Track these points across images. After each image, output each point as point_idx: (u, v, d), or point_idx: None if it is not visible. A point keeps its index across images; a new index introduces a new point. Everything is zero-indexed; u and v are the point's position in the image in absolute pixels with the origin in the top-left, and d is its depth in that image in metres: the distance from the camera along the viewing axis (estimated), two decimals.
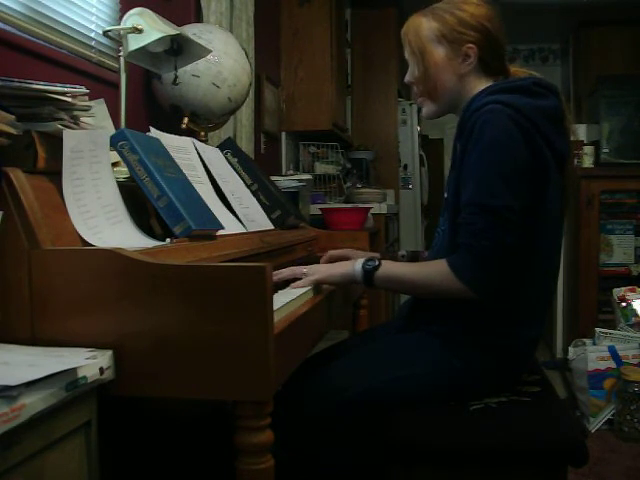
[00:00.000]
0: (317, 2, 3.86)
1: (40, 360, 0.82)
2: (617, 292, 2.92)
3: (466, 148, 1.29)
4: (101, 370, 0.85)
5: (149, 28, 1.51)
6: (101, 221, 1.07)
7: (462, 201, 1.28)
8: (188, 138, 1.55)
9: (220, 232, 1.31)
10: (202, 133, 2.12)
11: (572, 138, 1.39)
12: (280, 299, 1.12)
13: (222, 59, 2.00)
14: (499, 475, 1.24)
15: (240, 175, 1.73)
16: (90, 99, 1.20)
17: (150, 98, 2.10)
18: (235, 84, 2.04)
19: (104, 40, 1.83)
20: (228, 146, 1.77)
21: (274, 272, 1.26)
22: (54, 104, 1.06)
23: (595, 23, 5.23)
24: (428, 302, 1.39)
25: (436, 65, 1.40)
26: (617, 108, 3.52)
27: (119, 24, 1.57)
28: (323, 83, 3.87)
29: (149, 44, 1.53)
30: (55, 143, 1.03)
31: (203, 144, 1.63)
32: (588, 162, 3.46)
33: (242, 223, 1.53)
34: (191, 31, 1.94)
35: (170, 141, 1.41)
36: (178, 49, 1.70)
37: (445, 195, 1.39)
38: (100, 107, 1.46)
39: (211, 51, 1.79)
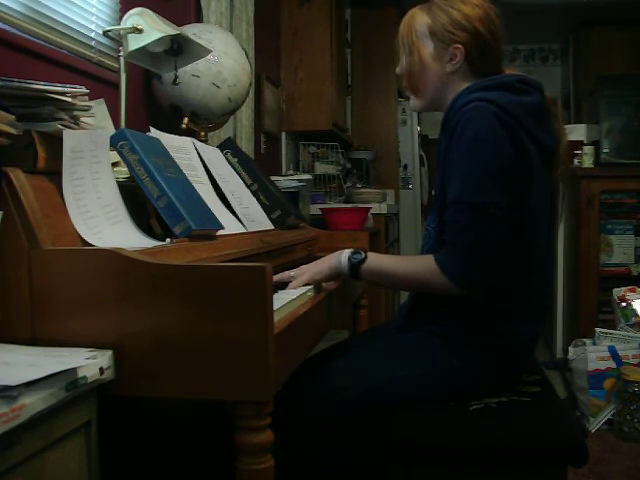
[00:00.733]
0: (317, 2, 3.86)
1: (40, 360, 0.82)
2: (617, 292, 2.92)
3: (450, 145, 1.30)
4: (101, 370, 0.85)
5: (149, 28, 1.51)
6: (101, 221, 1.07)
7: (447, 199, 1.28)
8: (188, 138, 1.55)
9: (220, 232, 1.31)
10: (202, 133, 2.12)
11: (562, 134, 1.39)
12: (280, 299, 1.12)
13: (222, 59, 2.00)
14: (499, 475, 1.24)
15: (240, 175, 1.73)
16: (90, 99, 1.20)
17: (150, 98, 2.10)
18: (235, 84, 2.04)
19: (104, 40, 1.83)
20: (228, 146, 1.77)
21: None
22: (54, 104, 1.06)
23: (595, 23, 5.23)
24: (427, 302, 1.39)
25: (422, 61, 1.41)
26: (617, 108, 3.51)
27: (119, 24, 1.57)
28: (323, 83, 3.87)
29: (149, 44, 1.53)
30: (55, 143, 1.03)
31: (203, 144, 1.63)
32: (588, 162, 3.46)
33: (242, 223, 1.53)
34: (191, 31, 1.94)
35: (170, 141, 1.41)
36: (178, 49, 1.70)
37: (433, 193, 1.40)
38: (100, 107, 1.46)
39: (211, 51, 1.79)
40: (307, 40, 3.87)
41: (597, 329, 2.77)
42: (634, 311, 2.82)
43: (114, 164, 1.19)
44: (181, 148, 1.46)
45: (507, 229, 1.25)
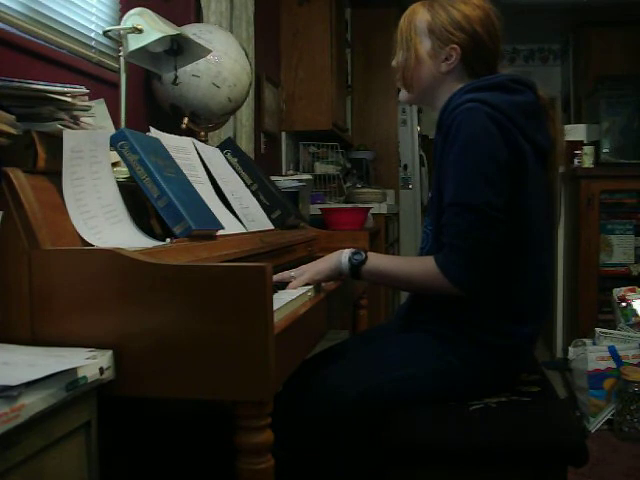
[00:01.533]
0: (317, 2, 3.86)
1: (40, 360, 0.82)
2: (617, 292, 2.92)
3: (445, 147, 1.30)
4: (101, 370, 0.85)
5: (149, 28, 1.51)
6: (101, 221, 1.07)
7: (444, 201, 1.29)
8: (188, 138, 1.55)
9: (220, 232, 1.31)
10: (202, 133, 2.12)
11: (558, 134, 1.39)
12: (280, 299, 1.12)
13: (222, 59, 2.00)
14: (499, 475, 1.24)
15: (240, 175, 1.73)
16: (90, 99, 1.20)
17: (150, 98, 2.10)
18: (235, 84, 2.04)
19: (104, 40, 1.83)
20: (228, 146, 1.77)
21: None
22: (54, 104, 1.06)
23: (595, 23, 5.23)
24: (425, 302, 1.39)
25: (417, 57, 1.41)
26: (617, 108, 3.51)
27: (119, 24, 1.57)
28: (323, 83, 3.87)
29: (149, 44, 1.53)
30: (55, 143, 1.03)
31: (203, 144, 1.63)
32: (588, 162, 3.46)
33: (242, 223, 1.53)
34: (191, 31, 1.94)
35: (170, 141, 1.41)
36: (178, 49, 1.70)
37: (429, 195, 1.40)
38: (100, 107, 1.46)
39: (211, 51, 1.79)
40: (307, 40, 3.88)
41: (597, 329, 2.77)
42: (634, 311, 2.82)
43: (114, 164, 1.19)
44: (181, 148, 1.46)
45: (505, 229, 1.26)
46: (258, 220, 1.64)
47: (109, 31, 1.60)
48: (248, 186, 1.73)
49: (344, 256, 1.36)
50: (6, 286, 0.93)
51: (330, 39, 3.87)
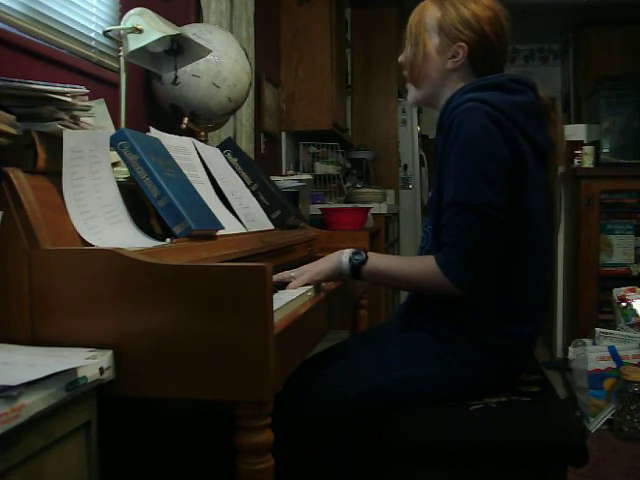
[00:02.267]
0: (317, 2, 3.86)
1: (40, 360, 0.82)
2: (617, 292, 2.92)
3: (445, 147, 1.30)
4: (101, 370, 0.85)
5: (149, 28, 1.51)
6: (101, 221, 1.07)
7: (445, 201, 1.29)
8: (188, 138, 1.55)
9: (220, 232, 1.31)
10: (202, 133, 2.12)
11: (558, 135, 1.39)
12: (280, 299, 1.12)
13: (222, 59, 2.00)
14: (499, 475, 1.24)
15: (240, 175, 1.73)
16: (90, 99, 1.20)
17: (150, 98, 2.10)
18: (235, 84, 2.04)
19: (104, 40, 1.83)
20: (228, 146, 1.77)
21: None
22: (54, 104, 1.06)
23: (595, 23, 5.23)
24: (425, 302, 1.39)
25: (425, 54, 1.41)
26: (617, 108, 3.51)
27: (119, 24, 1.57)
28: (323, 83, 3.87)
29: (149, 44, 1.53)
30: (55, 143, 1.03)
31: (203, 144, 1.63)
32: (588, 162, 3.46)
33: (242, 223, 1.53)
34: (191, 31, 1.94)
35: (170, 141, 1.41)
36: (178, 49, 1.70)
37: (429, 194, 1.40)
38: (100, 107, 1.46)
39: (211, 51, 1.79)
40: (307, 40, 3.88)
41: (597, 329, 2.77)
42: (634, 311, 2.82)
43: (114, 164, 1.19)
44: (181, 148, 1.46)
45: (505, 229, 1.26)
46: (258, 220, 1.64)
47: (109, 31, 1.60)
48: (248, 186, 1.73)
49: (344, 256, 1.36)
50: (6, 286, 0.93)
51: (330, 39, 3.87)
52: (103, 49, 1.87)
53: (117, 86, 1.54)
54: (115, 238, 1.06)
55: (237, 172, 1.73)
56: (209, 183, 1.50)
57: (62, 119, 1.08)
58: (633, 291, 2.89)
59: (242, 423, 0.92)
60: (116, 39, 1.67)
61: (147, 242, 1.12)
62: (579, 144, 3.54)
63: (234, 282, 0.89)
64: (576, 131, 3.65)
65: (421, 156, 5.17)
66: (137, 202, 1.19)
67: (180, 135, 1.52)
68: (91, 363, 0.83)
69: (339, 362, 1.39)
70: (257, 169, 1.81)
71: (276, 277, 1.33)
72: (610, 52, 5.18)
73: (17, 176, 0.94)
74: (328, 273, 1.37)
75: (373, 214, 3.54)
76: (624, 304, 2.86)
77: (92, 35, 1.82)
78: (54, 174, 1.02)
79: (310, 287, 1.32)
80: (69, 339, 0.91)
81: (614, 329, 2.80)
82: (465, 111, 1.27)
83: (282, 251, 1.68)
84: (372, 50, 4.81)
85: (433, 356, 1.34)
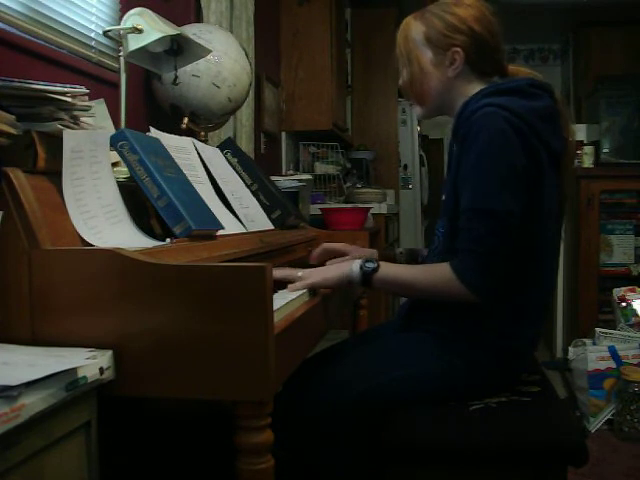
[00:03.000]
0: (317, 2, 3.86)
1: (40, 360, 0.82)
2: (617, 292, 2.92)
3: (462, 152, 1.29)
4: (101, 370, 0.85)
5: (149, 28, 1.51)
6: (101, 221, 1.07)
7: (461, 206, 1.27)
8: (188, 138, 1.55)
9: (220, 232, 1.31)
10: (202, 133, 2.12)
11: (569, 136, 1.38)
12: (280, 299, 1.12)
13: (222, 59, 2.00)
14: (499, 475, 1.24)
15: (240, 175, 1.73)
16: (90, 99, 1.20)
17: (150, 98, 2.10)
18: (235, 84, 2.04)
19: (104, 40, 1.83)
20: (228, 146, 1.77)
21: None
22: (54, 104, 1.06)
23: (595, 23, 5.23)
24: (426, 302, 1.38)
25: (422, 70, 1.40)
26: (617, 108, 3.51)
27: (119, 24, 1.57)
28: (323, 83, 3.87)
29: (149, 44, 1.53)
30: (55, 143, 1.03)
31: (203, 144, 1.63)
32: (588, 162, 3.46)
33: (242, 223, 1.53)
34: (191, 31, 1.94)
35: (170, 141, 1.41)
36: (178, 49, 1.70)
37: (443, 198, 1.39)
38: (100, 107, 1.46)
39: (211, 51, 1.79)
40: (307, 40, 3.87)
41: (597, 329, 2.77)
42: (634, 311, 2.82)
43: (114, 164, 1.19)
44: (181, 148, 1.46)
45: (520, 236, 1.25)
46: (258, 220, 1.64)
47: (109, 31, 1.60)
48: (248, 186, 1.73)
49: (355, 264, 1.32)
50: (6, 286, 0.93)
51: (330, 39, 3.87)
52: (103, 49, 1.87)
53: (117, 86, 1.54)
54: (115, 238, 1.06)
55: (237, 172, 1.73)
56: (209, 183, 1.50)
57: (62, 119, 1.08)
58: (633, 291, 2.89)
59: (242, 423, 0.92)
60: (116, 39, 1.67)
61: (147, 242, 1.12)
62: (579, 144, 3.54)
63: (234, 282, 0.89)
64: (576, 131, 3.65)
65: (421, 156, 5.17)
66: (137, 202, 1.19)
67: (180, 135, 1.52)
68: (91, 363, 0.83)
69: (339, 362, 1.39)
70: (257, 169, 1.81)
71: (282, 273, 1.30)
72: (610, 52, 5.18)
73: (17, 176, 0.94)
74: (336, 281, 1.33)
75: (373, 214, 3.54)
76: (624, 304, 2.86)
77: (92, 35, 1.82)
78: (54, 174, 1.02)
79: (304, 291, 1.27)
80: (69, 339, 0.91)
81: (614, 329, 2.80)
82: (484, 116, 1.26)
83: (282, 251, 1.68)
84: (372, 50, 4.81)
85: (433, 356, 1.33)
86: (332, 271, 1.34)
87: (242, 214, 1.55)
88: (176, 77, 1.81)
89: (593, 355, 2.67)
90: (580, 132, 3.68)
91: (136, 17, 1.52)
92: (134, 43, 1.51)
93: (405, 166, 5.03)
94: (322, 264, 1.49)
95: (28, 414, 0.69)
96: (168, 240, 1.14)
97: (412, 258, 1.71)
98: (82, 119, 1.15)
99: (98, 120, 1.38)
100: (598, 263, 3.39)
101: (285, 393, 1.42)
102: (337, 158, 4.27)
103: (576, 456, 1.21)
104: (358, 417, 1.29)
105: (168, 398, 0.93)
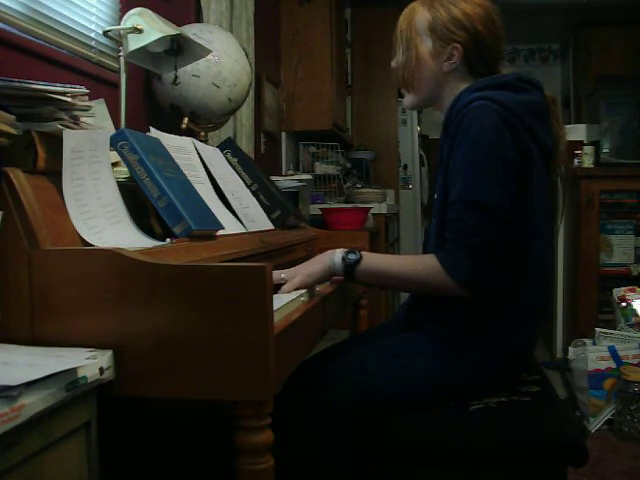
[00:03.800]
0: (317, 2, 3.86)
1: (40, 360, 0.82)
2: (617, 292, 2.92)
3: (453, 146, 1.29)
4: (101, 370, 0.85)
5: (149, 28, 1.51)
6: (101, 221, 1.07)
7: (451, 198, 1.27)
8: (188, 138, 1.55)
9: (220, 232, 1.31)
10: (202, 133, 2.12)
11: (561, 135, 1.39)
12: (279, 299, 1.12)
13: (222, 59, 2.00)
14: (499, 475, 1.24)
15: (240, 175, 1.73)
16: (90, 99, 1.20)
17: (150, 98, 2.10)
18: (235, 84, 2.04)
19: (104, 40, 1.83)
20: (228, 146, 1.77)
21: None
22: (54, 104, 1.06)
23: (595, 23, 5.24)
24: (426, 302, 1.38)
25: (418, 58, 1.40)
26: (617, 108, 3.51)
27: (119, 24, 1.57)
28: (323, 83, 3.87)
29: (149, 44, 1.53)
30: (55, 143, 1.03)
31: (203, 144, 1.63)
32: (588, 162, 3.46)
33: (242, 223, 1.53)
34: (191, 31, 1.94)
35: (170, 141, 1.41)
36: (178, 49, 1.70)
37: (435, 196, 1.39)
38: (100, 107, 1.46)
39: (211, 51, 1.79)
40: (307, 40, 3.88)
41: (597, 329, 2.77)
42: (634, 311, 2.82)
43: (114, 164, 1.19)
44: (181, 148, 1.46)
45: (510, 229, 1.25)
46: (258, 220, 1.64)
47: (109, 31, 1.60)
48: (248, 186, 1.73)
49: (337, 256, 1.31)
50: (6, 286, 0.93)
51: (330, 39, 3.87)
52: (103, 49, 1.87)
53: (117, 86, 1.54)
54: (115, 238, 1.06)
55: (237, 172, 1.73)
56: (209, 183, 1.50)
57: (62, 119, 1.07)
58: (633, 291, 2.89)
59: (242, 423, 0.92)
60: (116, 39, 1.67)
61: (147, 242, 1.12)
62: (579, 144, 3.54)
63: (234, 282, 0.89)
64: (576, 131, 3.65)
65: (421, 156, 5.18)
66: (137, 202, 1.19)
67: (180, 135, 1.52)
68: (91, 363, 0.83)
69: (339, 362, 1.39)
70: (257, 169, 1.81)
71: None
72: (610, 52, 5.18)
73: (17, 176, 0.94)
74: (320, 274, 1.31)
75: (373, 214, 3.54)
76: (624, 304, 2.86)
77: (92, 35, 1.82)
78: (54, 174, 1.02)
79: (304, 291, 1.27)
80: (69, 339, 0.91)
81: (614, 329, 2.80)
82: (474, 109, 1.26)
83: (282, 251, 1.68)
84: (372, 50, 4.81)
85: (433, 356, 1.33)
86: (314, 265, 1.32)
87: (242, 214, 1.55)
88: (176, 77, 1.81)
89: (593, 355, 2.67)
90: (580, 132, 3.68)
91: (136, 17, 1.52)
92: (134, 43, 1.51)
93: (405, 166, 5.03)
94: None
95: (28, 414, 0.69)
96: (168, 240, 1.14)
97: None
98: (82, 119, 1.15)
99: (98, 120, 1.38)
100: (598, 263, 3.39)
101: (285, 393, 1.43)
102: (337, 158, 4.27)
103: (576, 456, 1.21)
104: (358, 417, 1.29)
105: (168, 398, 0.93)
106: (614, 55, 5.16)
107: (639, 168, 3.40)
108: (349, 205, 3.66)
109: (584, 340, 2.81)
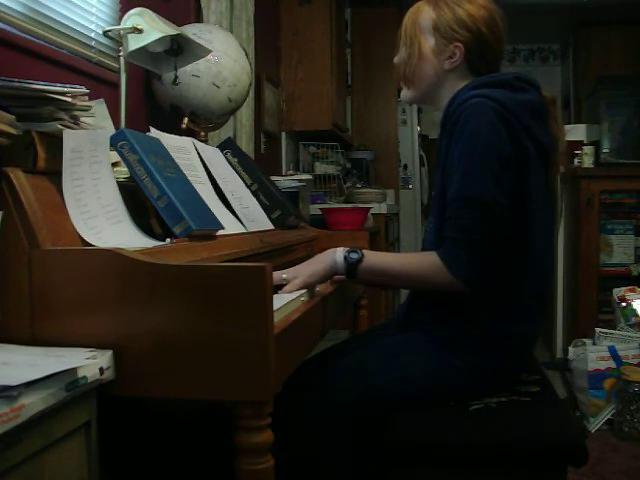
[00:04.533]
0: (317, 2, 3.86)
1: (40, 360, 0.82)
2: (617, 292, 2.92)
3: (450, 143, 1.29)
4: (101, 370, 0.85)
5: (149, 28, 1.51)
6: (101, 221, 1.07)
7: (449, 195, 1.27)
8: (188, 138, 1.55)
9: (220, 232, 1.31)
10: (202, 133, 2.12)
11: (560, 135, 1.39)
12: (279, 299, 1.12)
13: (222, 59, 2.00)
14: (499, 475, 1.24)
15: (240, 175, 1.73)
16: (90, 99, 1.20)
17: (150, 98, 2.10)
18: (235, 84, 2.04)
19: (104, 40, 1.83)
20: (228, 146, 1.77)
21: None
22: (54, 104, 1.06)
23: (595, 23, 5.24)
24: (425, 302, 1.39)
25: (421, 55, 1.41)
26: (617, 108, 3.51)
27: (119, 24, 1.57)
28: (323, 83, 3.87)
29: (149, 44, 1.53)
30: (55, 143, 1.03)
31: (203, 144, 1.63)
32: (588, 162, 3.46)
33: (242, 223, 1.53)
34: (191, 31, 1.94)
35: (170, 141, 1.41)
36: (178, 49, 1.70)
37: (433, 193, 1.39)
38: (100, 107, 1.46)
39: (211, 51, 1.79)
40: (307, 40, 3.88)
41: (597, 329, 2.77)
42: (634, 311, 2.82)
43: (114, 164, 1.19)
44: (181, 148, 1.46)
45: (507, 227, 1.25)
46: (258, 220, 1.64)
47: (109, 31, 1.60)
48: (248, 186, 1.73)
49: (338, 255, 1.31)
50: (6, 286, 0.93)
51: (330, 39, 3.87)
52: (103, 49, 1.87)
53: (117, 86, 1.54)
54: (115, 238, 1.06)
55: (237, 172, 1.73)
56: (209, 183, 1.50)
57: (62, 119, 1.07)
58: (633, 291, 2.89)
59: (242, 423, 0.92)
60: (116, 39, 1.67)
61: (147, 242, 1.12)
62: (579, 144, 3.54)
63: (234, 282, 0.89)
64: (576, 131, 3.65)
65: (421, 156, 5.18)
66: (137, 202, 1.19)
67: (180, 135, 1.52)
68: (91, 363, 0.83)
69: (339, 362, 1.39)
70: (257, 169, 1.81)
71: None
72: (610, 52, 5.18)
73: (17, 176, 0.94)
74: (322, 274, 1.32)
75: (373, 214, 3.54)
76: (624, 304, 2.86)
77: (92, 35, 1.82)
78: (54, 174, 1.02)
79: (304, 291, 1.27)
80: (69, 339, 0.91)
81: (614, 329, 2.80)
82: (471, 107, 1.27)
83: (282, 251, 1.68)
84: (372, 50, 4.81)
85: (433, 356, 1.33)
86: (316, 265, 1.32)
87: (242, 214, 1.55)
88: (176, 77, 1.81)
89: (593, 355, 2.67)
90: (580, 132, 3.68)
91: (136, 17, 1.52)
92: (134, 43, 1.51)
93: (405, 166, 5.03)
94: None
95: (28, 414, 0.69)
96: (168, 240, 1.14)
97: None
98: (82, 119, 1.15)
99: (98, 120, 1.38)
100: (598, 263, 3.38)
101: (285, 393, 1.43)
102: (337, 158, 4.27)
103: (576, 456, 1.21)
104: (358, 417, 1.29)
105: (168, 398, 0.93)
106: (614, 55, 5.16)
107: (639, 168, 3.40)
108: (349, 205, 3.66)
109: (584, 340, 2.81)
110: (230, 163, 1.73)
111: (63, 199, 1.01)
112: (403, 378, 1.31)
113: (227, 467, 0.99)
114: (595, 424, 2.64)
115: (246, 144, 2.89)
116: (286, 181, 2.85)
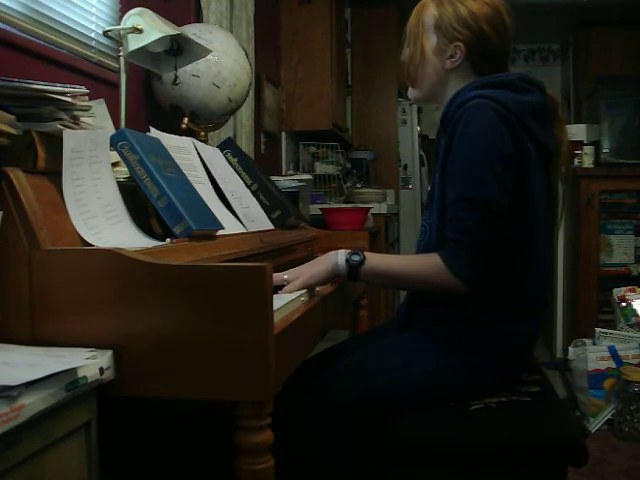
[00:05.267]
0: (317, 2, 3.86)
1: (40, 360, 0.82)
2: (617, 292, 2.92)
3: (450, 143, 1.29)
4: (101, 370, 0.85)
5: (149, 28, 1.51)
6: (101, 221, 1.07)
7: (450, 196, 1.27)
8: (188, 138, 1.55)
9: (220, 232, 1.31)
10: (202, 133, 2.12)
11: (563, 136, 1.39)
12: (279, 299, 1.12)
13: (222, 59, 2.00)
14: (499, 475, 1.24)
15: (240, 175, 1.73)
16: (90, 99, 1.20)
17: (150, 98, 2.10)
18: (235, 84, 2.04)
19: (104, 40, 1.83)
20: (228, 146, 1.77)
21: None
22: (54, 104, 1.06)
23: (595, 23, 5.24)
24: (425, 302, 1.38)
25: (422, 54, 1.41)
26: (617, 108, 3.51)
27: (119, 24, 1.57)
28: (323, 83, 3.88)
29: (149, 44, 1.53)
30: (55, 143, 1.03)
31: (203, 144, 1.63)
32: (588, 162, 3.46)
33: (242, 223, 1.53)
34: (191, 31, 1.94)
35: (170, 141, 1.41)
36: (178, 49, 1.70)
37: (429, 188, 1.39)
38: (100, 107, 1.46)
39: (211, 51, 1.79)
40: (307, 40, 3.88)
41: (597, 329, 2.77)
42: (634, 311, 2.82)
43: (114, 164, 1.19)
44: (181, 148, 1.46)
45: (509, 227, 1.25)
46: (258, 220, 1.64)
47: (109, 31, 1.60)
48: (248, 186, 1.73)
49: (340, 257, 1.31)
50: (6, 286, 0.93)
51: (330, 39, 3.87)
52: (103, 49, 1.87)
53: (117, 86, 1.54)
54: (115, 238, 1.06)
55: (237, 172, 1.73)
56: (209, 183, 1.50)
57: (62, 119, 1.07)
58: (633, 291, 2.89)
59: (242, 423, 0.92)
60: (116, 39, 1.67)
61: (147, 242, 1.12)
62: (579, 144, 3.54)
63: (234, 282, 0.89)
64: (576, 131, 3.65)
65: (421, 156, 5.18)
66: (137, 202, 1.19)
67: (180, 135, 1.52)
68: (91, 363, 0.83)
69: (339, 362, 1.39)
70: (257, 169, 1.81)
71: None
72: (610, 52, 5.18)
73: (17, 176, 0.94)
74: (323, 275, 1.31)
75: (373, 214, 3.55)
76: (624, 304, 2.86)
77: (92, 35, 1.82)
78: (54, 174, 1.02)
79: (304, 291, 1.27)
80: (69, 339, 0.91)
81: (614, 329, 2.80)
82: (473, 107, 1.26)
83: (282, 251, 1.68)
84: (372, 50, 4.81)
85: (433, 356, 1.33)
86: (317, 266, 1.32)
87: (242, 214, 1.55)
88: (176, 77, 1.81)
89: (593, 355, 2.67)
90: (580, 132, 3.68)
91: (136, 17, 1.52)
92: (134, 43, 1.51)
93: (405, 166, 5.03)
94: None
95: (28, 414, 0.69)
96: (168, 240, 1.14)
97: None
98: (82, 119, 1.15)
99: (98, 120, 1.38)
100: (598, 263, 3.38)
101: (285, 393, 1.43)
102: (337, 158, 4.27)
103: (576, 456, 1.21)
104: (358, 417, 1.29)
105: (168, 398, 0.93)
106: (614, 55, 5.16)
107: (639, 168, 3.40)
108: (349, 205, 3.66)
109: (584, 340, 2.81)
110: (230, 163, 1.73)
111: (63, 199, 1.01)
112: (403, 378, 1.31)
113: (227, 467, 0.99)
114: (595, 424, 2.64)
115: (246, 144, 2.89)
116: (286, 181, 2.85)
